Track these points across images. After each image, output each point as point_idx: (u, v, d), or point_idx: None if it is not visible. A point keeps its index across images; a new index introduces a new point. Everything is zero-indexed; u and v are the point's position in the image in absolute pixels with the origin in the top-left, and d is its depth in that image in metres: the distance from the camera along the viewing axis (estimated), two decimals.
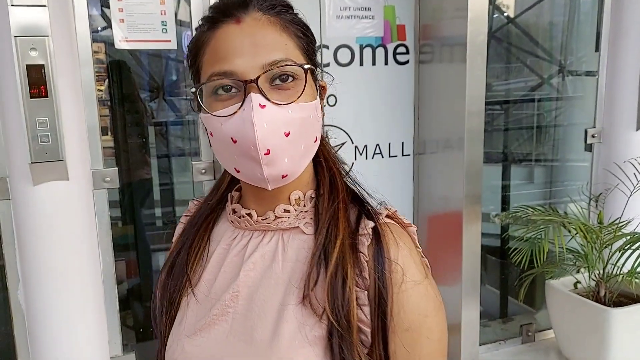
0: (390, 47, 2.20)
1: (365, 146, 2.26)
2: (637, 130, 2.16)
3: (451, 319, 2.25)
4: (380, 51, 2.19)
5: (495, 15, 2.94)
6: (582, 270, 2.04)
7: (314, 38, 0.78)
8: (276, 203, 0.78)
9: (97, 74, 1.88)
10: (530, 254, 1.95)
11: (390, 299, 0.70)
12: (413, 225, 0.81)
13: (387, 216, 0.78)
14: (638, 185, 1.97)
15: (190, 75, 0.80)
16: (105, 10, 1.77)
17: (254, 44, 0.68)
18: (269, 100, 0.67)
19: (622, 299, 1.93)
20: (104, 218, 1.64)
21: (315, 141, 0.75)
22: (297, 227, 0.77)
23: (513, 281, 2.52)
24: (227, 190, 0.87)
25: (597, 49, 2.29)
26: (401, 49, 2.22)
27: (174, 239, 0.90)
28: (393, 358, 0.72)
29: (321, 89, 0.78)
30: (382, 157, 2.30)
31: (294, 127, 0.69)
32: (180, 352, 0.76)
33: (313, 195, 0.78)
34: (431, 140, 2.30)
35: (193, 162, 1.74)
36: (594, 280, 1.99)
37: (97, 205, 1.62)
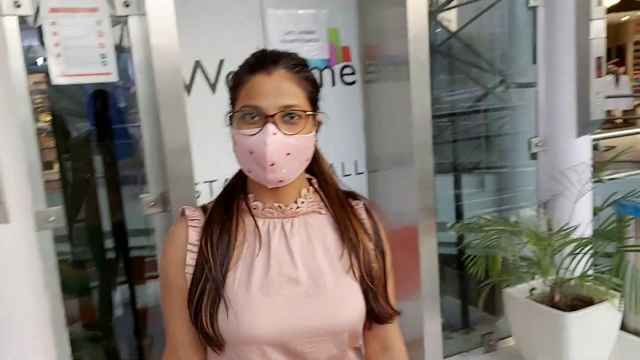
0: (337, 68, 2.22)
1: (331, 165, 2.26)
2: (577, 137, 2.24)
3: (413, 333, 2.26)
4: (327, 73, 2.20)
5: (438, 30, 3.02)
6: (537, 276, 2.09)
7: (319, 90, 1.09)
8: (288, 198, 1.09)
9: (38, 106, 1.81)
10: (485, 263, 1.98)
11: (386, 250, 1.14)
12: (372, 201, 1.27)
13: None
14: (582, 191, 2.03)
15: (229, 98, 1.11)
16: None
17: (276, 91, 1.00)
18: (279, 130, 0.99)
19: (577, 303, 1.98)
20: (49, 260, 1.57)
21: (307, 160, 1.07)
22: (315, 211, 1.11)
23: (472, 290, 2.55)
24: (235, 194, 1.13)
25: (535, 61, 2.38)
26: (347, 70, 2.24)
27: (181, 242, 1.08)
28: (389, 287, 1.14)
29: (318, 124, 1.09)
30: (336, 176, 2.30)
31: (293, 150, 1.01)
32: (259, 311, 1.00)
33: (313, 190, 1.12)
34: (383, 157, 2.32)
35: (142, 196, 1.69)
36: (548, 285, 2.03)
37: (42, 247, 1.55)
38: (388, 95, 2.19)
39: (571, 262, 1.94)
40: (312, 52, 2.16)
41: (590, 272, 1.90)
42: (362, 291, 1.06)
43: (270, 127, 0.98)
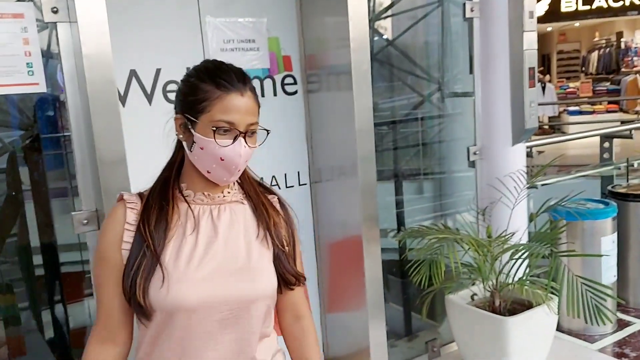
0: (278, 78, 2.19)
1: (262, 178, 2.22)
2: (512, 145, 2.32)
3: (359, 342, 2.25)
4: (268, 82, 2.17)
5: (375, 38, 3.05)
6: (477, 282, 2.13)
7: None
8: (216, 189, 1.24)
9: None
10: (428, 271, 2.00)
11: (295, 233, 1.33)
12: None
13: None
14: (519, 198, 2.10)
15: (179, 103, 1.22)
16: None
17: (247, 110, 1.16)
18: (247, 144, 1.17)
19: (516, 307, 2.04)
20: None
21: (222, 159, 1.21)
22: (238, 201, 1.27)
23: (415, 296, 2.58)
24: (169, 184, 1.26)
25: (471, 71, 2.44)
26: (289, 80, 2.22)
27: (119, 221, 1.19)
28: (298, 264, 1.34)
29: None
30: (279, 188, 2.27)
31: (249, 158, 1.21)
32: (189, 282, 1.15)
33: (236, 183, 1.29)
34: (326, 168, 2.31)
35: (74, 213, 1.60)
36: (488, 291, 2.08)
37: None
38: (330, 105, 2.19)
39: (510, 267, 1.99)
40: (253, 61, 2.12)
41: (528, 276, 1.96)
42: (273, 257, 1.25)
43: (242, 141, 1.16)
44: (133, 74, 1.85)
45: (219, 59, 1.23)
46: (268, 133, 1.22)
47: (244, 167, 1.22)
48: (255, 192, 1.30)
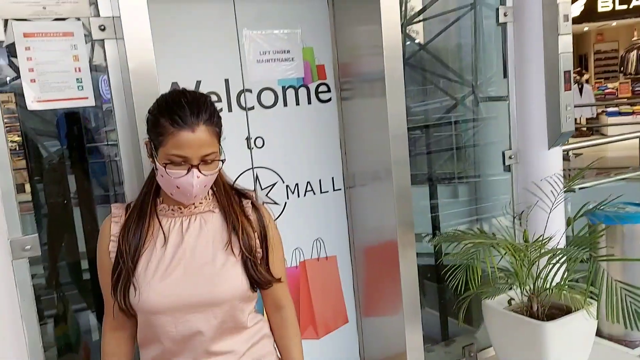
0: (312, 86, 2.24)
1: (297, 184, 2.27)
2: (549, 149, 2.30)
3: (395, 347, 2.27)
4: (302, 91, 2.22)
5: (407, 43, 3.06)
6: (514, 287, 2.12)
7: (221, 120, 1.34)
8: (191, 200, 1.36)
9: (8, 126, 1.78)
10: (465, 276, 2.01)
11: (269, 234, 1.41)
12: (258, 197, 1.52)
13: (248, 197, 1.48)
14: (556, 202, 2.08)
15: (147, 132, 1.32)
16: (14, 59, 1.69)
17: (199, 144, 1.25)
18: (201, 173, 1.27)
19: (554, 311, 2.02)
20: (26, 289, 1.53)
21: (214, 182, 1.38)
22: (209, 210, 1.38)
23: (451, 301, 2.58)
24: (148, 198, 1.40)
25: (505, 75, 2.43)
26: (323, 88, 2.26)
27: (106, 234, 1.37)
28: (271, 262, 1.41)
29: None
30: (314, 193, 2.31)
31: (208, 182, 1.32)
32: (154, 290, 1.29)
33: (212, 193, 1.40)
34: (360, 173, 2.34)
35: None
36: (525, 295, 2.07)
37: (18, 276, 1.51)
38: (364, 111, 2.22)
39: (548, 272, 1.97)
40: (288, 71, 2.17)
41: (566, 281, 1.94)
42: (243, 264, 1.34)
43: (195, 171, 1.26)
44: (175, 86, 1.92)
45: (185, 88, 1.34)
46: (223, 162, 1.34)
47: (203, 192, 1.32)
48: (229, 199, 1.40)
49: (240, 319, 1.37)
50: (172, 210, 1.37)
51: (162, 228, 1.35)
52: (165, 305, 1.30)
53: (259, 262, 1.38)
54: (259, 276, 1.36)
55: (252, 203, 1.44)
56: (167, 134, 1.24)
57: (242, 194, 1.45)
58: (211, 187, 1.40)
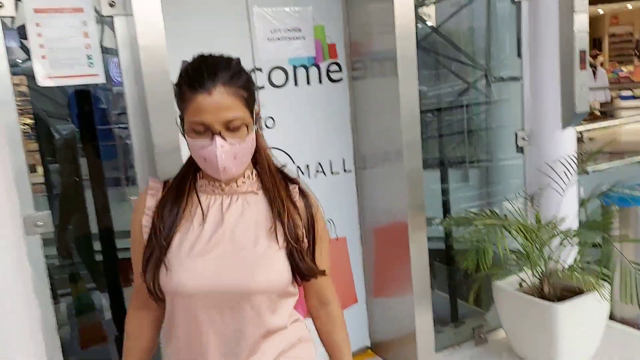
0: (323, 65, 2.22)
1: (307, 165, 2.26)
2: (562, 130, 2.27)
3: (405, 328, 2.27)
4: (313, 70, 2.19)
5: (420, 26, 3.02)
6: (526, 268, 2.11)
7: (253, 87, 1.20)
8: (235, 177, 1.23)
9: (20, 109, 1.78)
10: (476, 258, 2.00)
11: (317, 225, 1.29)
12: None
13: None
14: (569, 183, 2.06)
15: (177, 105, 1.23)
16: (25, 41, 1.69)
17: (218, 107, 1.13)
18: (225, 141, 1.15)
19: (565, 293, 2.01)
20: (39, 265, 1.55)
21: (250, 154, 1.23)
22: (252, 191, 1.26)
23: (460, 283, 2.57)
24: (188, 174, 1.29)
25: (519, 55, 2.40)
26: (334, 67, 2.24)
27: (141, 207, 1.27)
28: (318, 254, 1.29)
29: (257, 117, 1.21)
30: (325, 174, 2.30)
31: (239, 154, 1.18)
32: (187, 270, 1.19)
33: (254, 172, 1.27)
34: (371, 154, 2.32)
35: (132, 197, 1.67)
36: (537, 277, 2.06)
37: (30, 253, 1.52)
38: (375, 91, 2.20)
39: (559, 253, 1.96)
40: (299, 49, 2.15)
41: (578, 263, 1.93)
42: (287, 254, 1.22)
43: (218, 140, 1.14)
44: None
45: (206, 53, 1.21)
46: (256, 132, 1.20)
47: (235, 165, 1.19)
48: (274, 181, 1.27)
49: (276, 317, 1.24)
50: (212, 186, 1.26)
51: (200, 205, 1.24)
52: (196, 287, 1.18)
53: (304, 252, 1.25)
54: (305, 266, 1.23)
55: (299, 189, 1.29)
56: (186, 100, 1.15)
57: (288, 179, 1.31)
58: (254, 167, 1.28)
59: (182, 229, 1.22)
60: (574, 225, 2.18)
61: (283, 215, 1.22)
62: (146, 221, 1.25)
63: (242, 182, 1.25)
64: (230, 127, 1.14)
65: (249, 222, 1.23)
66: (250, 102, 1.18)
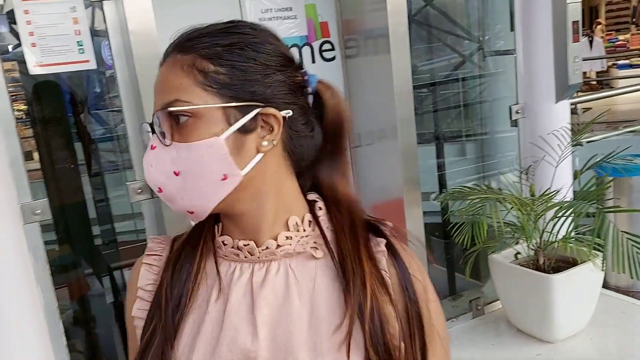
0: (316, 45, 2.21)
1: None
2: (556, 102, 2.27)
3: None
4: (306, 50, 2.18)
5: None
6: (521, 241, 2.13)
7: (253, 66, 0.75)
8: (265, 231, 0.77)
9: (12, 94, 1.79)
10: (471, 231, 2.02)
11: (423, 312, 0.76)
12: (406, 230, 0.85)
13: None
14: (562, 156, 2.07)
15: None
16: (15, 27, 1.68)
17: (159, 88, 0.77)
18: (158, 139, 0.74)
19: (560, 264, 2.04)
20: (38, 253, 1.56)
21: (224, 179, 0.72)
22: (304, 251, 0.77)
23: (458, 257, 2.60)
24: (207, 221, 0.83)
25: (512, 28, 2.39)
26: (327, 46, 2.23)
27: (133, 283, 0.85)
28: (431, 348, 0.77)
29: (273, 123, 0.75)
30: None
31: (182, 166, 0.73)
32: None
33: (311, 219, 0.79)
34: (365, 132, 2.33)
35: (128, 183, 1.68)
36: (532, 249, 2.09)
37: (30, 241, 1.54)
38: (368, 69, 2.19)
39: (554, 225, 1.98)
40: (291, 29, 2.14)
41: (572, 234, 1.95)
42: None
43: (152, 138, 0.74)
44: None
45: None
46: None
47: (181, 185, 0.71)
48: (350, 233, 0.76)
49: None
50: (237, 248, 0.77)
51: (219, 277, 0.77)
52: None
53: None
54: None
55: (387, 245, 0.78)
56: None
57: (372, 227, 0.81)
58: (312, 208, 0.78)
59: (192, 314, 0.77)
60: (568, 197, 2.20)
61: (364, 307, 0.69)
62: (139, 307, 0.82)
63: (287, 239, 0.76)
64: (176, 121, 0.72)
65: (298, 311, 0.72)
66: (226, 85, 0.72)
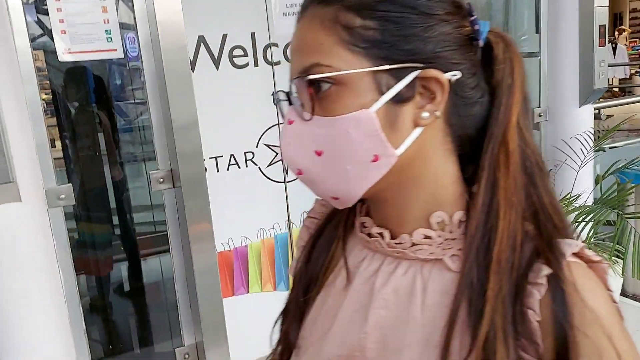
0: None
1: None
2: (580, 106, 2.25)
3: None
4: None
5: None
6: None
7: (409, 14, 0.57)
8: (407, 221, 0.62)
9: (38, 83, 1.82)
10: None
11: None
12: (604, 262, 0.56)
13: (574, 254, 0.55)
14: (585, 160, 2.05)
15: None
16: (41, 17, 1.71)
17: (296, 50, 0.60)
18: (296, 113, 0.59)
19: None
20: (61, 237, 1.59)
21: (374, 160, 0.58)
22: (441, 259, 0.60)
23: None
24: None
25: (537, 30, 2.37)
26: None
27: (300, 242, 0.77)
28: None
29: (419, 87, 0.57)
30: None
31: (324, 145, 0.58)
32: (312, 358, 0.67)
33: (464, 218, 0.60)
34: None
35: (150, 172, 1.71)
36: None
37: (54, 225, 1.56)
38: None
39: (575, 229, 1.97)
40: None
41: (592, 239, 1.94)
42: None
43: (289, 110, 0.60)
44: (201, 39, 1.92)
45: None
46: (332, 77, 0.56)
47: (324, 167, 0.59)
48: (510, 246, 0.55)
49: None
50: (375, 235, 0.65)
51: (346, 262, 0.68)
52: None
53: None
54: None
55: (551, 276, 0.54)
56: None
57: (545, 241, 0.56)
58: (469, 205, 0.60)
59: (321, 293, 0.71)
60: (589, 202, 2.18)
61: (495, 346, 0.53)
62: (294, 265, 0.76)
63: (425, 239, 0.61)
64: (316, 90, 0.57)
65: (415, 330, 0.60)
66: (376, 42, 0.56)
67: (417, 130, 0.58)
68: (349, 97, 0.57)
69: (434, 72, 0.57)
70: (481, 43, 0.62)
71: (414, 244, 0.62)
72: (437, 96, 0.58)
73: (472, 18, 0.61)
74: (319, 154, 0.59)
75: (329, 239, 0.71)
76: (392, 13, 0.57)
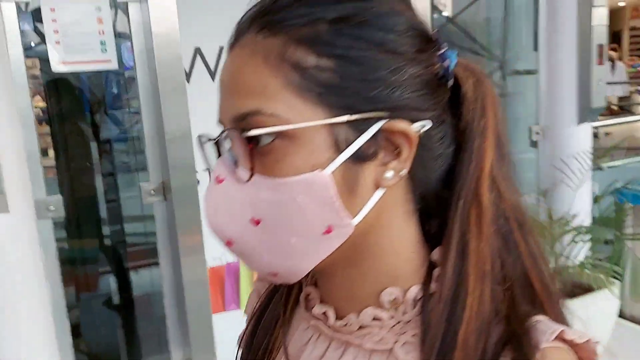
0: None
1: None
2: (578, 125, 2.24)
3: None
4: None
5: (435, 16, 2.99)
6: None
7: (373, 52, 0.46)
8: (358, 300, 0.52)
9: (32, 91, 1.80)
10: None
11: None
12: (591, 342, 0.47)
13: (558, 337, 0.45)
14: (583, 179, 2.04)
15: None
16: (39, 25, 1.70)
17: (227, 88, 0.48)
18: (234, 173, 0.47)
19: (576, 290, 2.00)
20: (50, 250, 1.56)
21: (327, 232, 0.47)
22: (389, 349, 0.50)
23: None
24: None
25: (536, 47, 2.37)
26: None
27: (249, 309, 0.66)
28: None
29: (386, 141, 0.47)
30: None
31: (263, 212, 0.47)
32: None
33: (420, 295, 0.49)
34: None
35: (141, 183, 1.68)
36: None
37: (42, 237, 1.54)
38: None
39: (571, 250, 1.94)
40: None
41: (589, 260, 1.92)
42: None
43: (218, 165, 0.49)
44: (198, 51, 1.91)
45: None
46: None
47: (261, 238, 0.48)
48: (474, 331, 0.45)
49: None
50: (316, 315, 0.56)
51: (286, 353, 0.57)
52: None
53: None
54: None
55: None
56: None
57: (517, 314, 0.46)
58: (427, 279, 0.50)
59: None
60: (587, 221, 2.16)
61: None
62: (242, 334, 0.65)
63: (374, 320, 0.51)
64: (256, 142, 0.46)
65: None
66: (333, 88, 0.45)
67: (379, 193, 0.48)
68: (299, 154, 0.45)
69: (401, 124, 0.47)
70: (451, 82, 0.51)
71: (361, 327, 0.51)
72: (403, 152, 0.47)
73: (442, 52, 0.50)
74: (256, 222, 0.47)
75: (274, 316, 0.60)
76: (354, 50, 0.46)
